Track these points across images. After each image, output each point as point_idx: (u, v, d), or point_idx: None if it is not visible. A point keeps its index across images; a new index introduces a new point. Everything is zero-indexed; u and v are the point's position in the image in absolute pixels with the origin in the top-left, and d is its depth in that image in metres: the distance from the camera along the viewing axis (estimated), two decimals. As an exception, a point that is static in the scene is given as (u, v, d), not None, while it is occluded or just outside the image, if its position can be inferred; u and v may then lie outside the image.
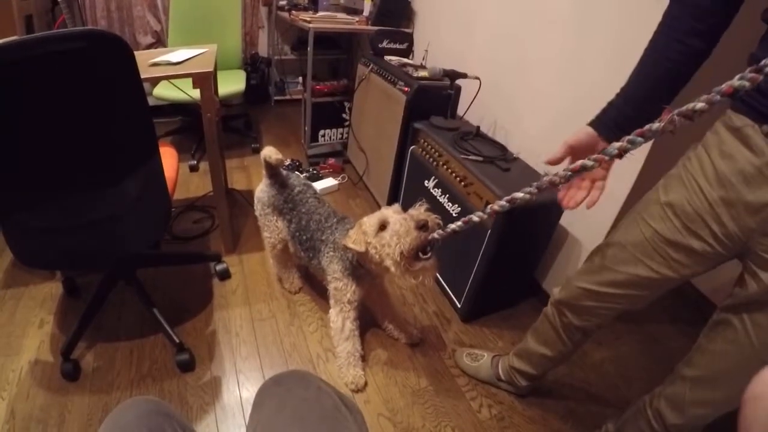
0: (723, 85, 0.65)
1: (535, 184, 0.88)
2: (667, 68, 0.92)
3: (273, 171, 1.74)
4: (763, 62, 0.60)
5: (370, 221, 1.41)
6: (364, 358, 1.72)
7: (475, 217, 1.09)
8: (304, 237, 1.69)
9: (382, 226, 1.37)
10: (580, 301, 1.25)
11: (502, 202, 0.97)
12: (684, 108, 0.68)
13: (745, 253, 0.93)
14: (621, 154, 0.76)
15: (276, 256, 1.95)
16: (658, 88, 0.94)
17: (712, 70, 0.93)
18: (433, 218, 1.31)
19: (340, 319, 1.64)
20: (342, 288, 1.59)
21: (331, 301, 1.66)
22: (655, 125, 0.70)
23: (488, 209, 1.02)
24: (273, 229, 1.82)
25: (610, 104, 1.00)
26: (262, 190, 1.80)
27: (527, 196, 0.91)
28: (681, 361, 1.15)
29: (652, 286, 1.09)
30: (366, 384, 1.66)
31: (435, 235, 1.27)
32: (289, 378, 0.84)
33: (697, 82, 0.92)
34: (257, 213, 1.85)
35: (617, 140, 0.76)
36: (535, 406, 1.65)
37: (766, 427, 0.47)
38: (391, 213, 1.38)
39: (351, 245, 1.42)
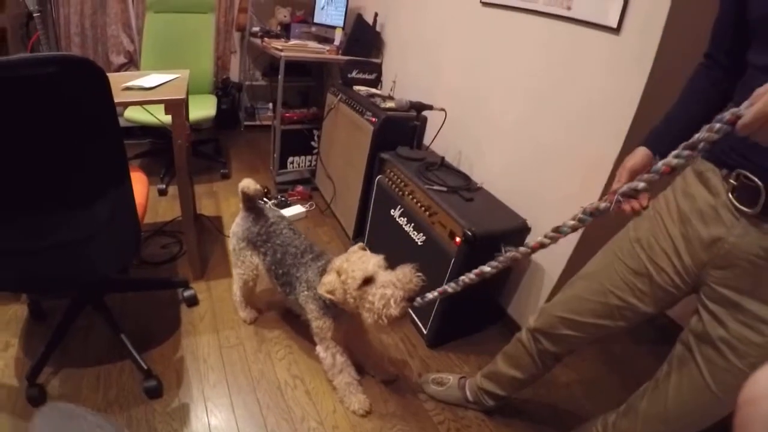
0: (660, 165, 0.76)
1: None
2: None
3: (250, 203, 1.76)
4: (696, 137, 0.71)
5: (353, 274, 1.39)
6: (360, 383, 1.73)
7: (486, 268, 1.22)
8: (280, 271, 1.69)
9: (366, 280, 1.37)
10: (557, 330, 1.32)
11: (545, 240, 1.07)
12: (626, 188, 0.82)
13: (698, 285, 1.00)
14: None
15: (245, 294, 1.95)
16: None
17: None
18: (417, 283, 1.34)
19: (329, 354, 1.65)
20: (322, 326, 1.60)
21: (316, 339, 1.68)
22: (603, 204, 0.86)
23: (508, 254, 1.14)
24: (248, 265, 1.81)
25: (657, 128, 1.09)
26: (237, 223, 1.82)
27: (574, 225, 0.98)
28: (637, 390, 1.22)
29: (623, 317, 1.16)
30: (371, 409, 1.68)
31: (418, 301, 1.32)
32: None
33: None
34: (231, 247, 1.85)
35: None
36: (503, 428, 1.69)
37: (763, 431, 0.48)
38: (378, 269, 1.38)
39: (327, 295, 1.42)
